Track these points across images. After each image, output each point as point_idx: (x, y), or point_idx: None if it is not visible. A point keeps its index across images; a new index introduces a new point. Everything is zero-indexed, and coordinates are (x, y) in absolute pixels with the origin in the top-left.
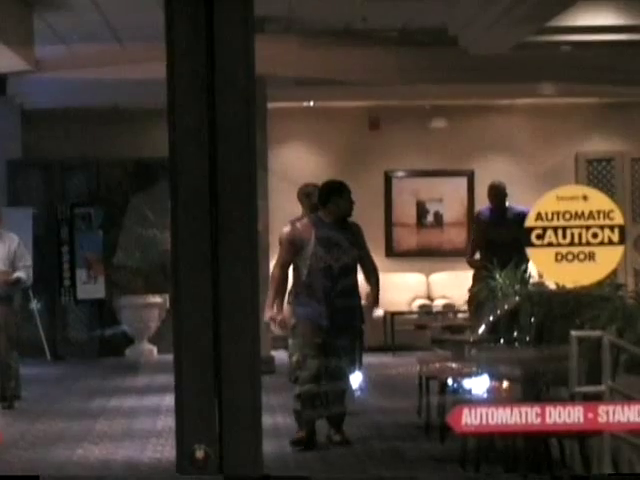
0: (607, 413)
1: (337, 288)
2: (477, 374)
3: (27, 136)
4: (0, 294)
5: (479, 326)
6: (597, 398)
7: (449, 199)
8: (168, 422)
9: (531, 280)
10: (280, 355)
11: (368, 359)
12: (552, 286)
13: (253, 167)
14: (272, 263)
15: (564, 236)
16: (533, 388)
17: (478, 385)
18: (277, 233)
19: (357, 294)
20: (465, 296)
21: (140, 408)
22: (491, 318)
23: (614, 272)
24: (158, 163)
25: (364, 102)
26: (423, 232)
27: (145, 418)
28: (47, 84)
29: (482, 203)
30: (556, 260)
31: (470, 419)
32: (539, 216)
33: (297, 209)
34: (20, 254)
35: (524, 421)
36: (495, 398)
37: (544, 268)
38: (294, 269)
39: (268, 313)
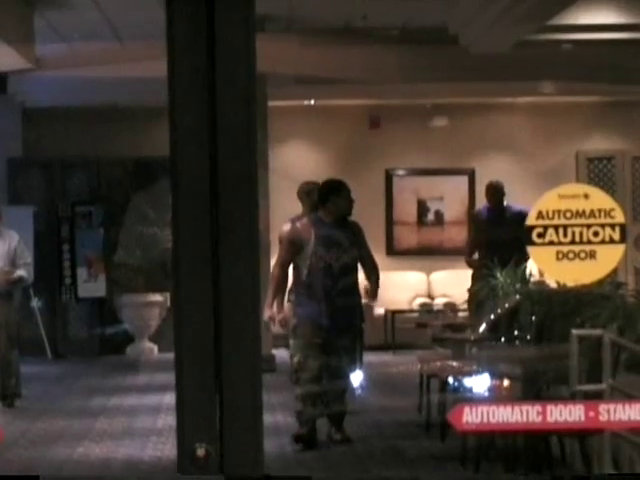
0: (608, 411)
1: (337, 287)
2: (478, 372)
3: (28, 134)
4: (0, 292)
5: (480, 325)
6: (597, 397)
7: (450, 197)
8: (168, 420)
9: (532, 279)
10: (281, 354)
11: (369, 357)
12: (553, 284)
13: (254, 166)
14: (273, 261)
15: (565, 234)
16: (533, 386)
17: (479, 383)
18: (278, 232)
19: (357, 293)
20: (466, 295)
21: (140, 406)
22: (492, 317)
23: (615, 271)
24: (158, 161)
25: (365, 100)
26: (424, 231)
27: (145, 416)
28: (48, 82)
29: (483, 202)
30: (557, 258)
31: (471, 417)
32: (540, 214)
33: (297, 207)
34: (20, 252)
35: (525, 419)
36: (495, 396)
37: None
38: (294, 268)
39: (267, 312)
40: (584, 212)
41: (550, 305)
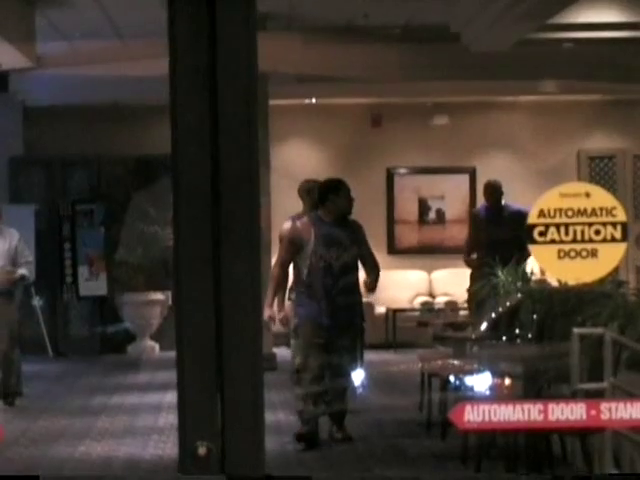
0: (610, 410)
1: (337, 286)
2: (479, 371)
3: (29, 133)
4: (2, 291)
5: (481, 323)
6: (599, 395)
7: (451, 196)
8: (170, 419)
9: (533, 277)
10: (282, 352)
11: (370, 356)
12: (554, 283)
13: (255, 164)
14: (274, 260)
15: (567, 233)
16: (535, 385)
17: (480, 382)
18: (279, 230)
19: (358, 292)
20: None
21: (142, 405)
22: (493, 315)
23: (616, 269)
24: (159, 160)
25: (366, 99)
26: (425, 229)
27: (147, 415)
28: (49, 81)
29: (484, 200)
30: (559, 257)
31: (473, 416)
32: (542, 213)
33: (298, 206)
34: (21, 250)
35: (527, 418)
36: (496, 395)
37: (547, 265)
38: (294, 268)
39: (267, 312)
40: (585, 211)
41: (551, 304)
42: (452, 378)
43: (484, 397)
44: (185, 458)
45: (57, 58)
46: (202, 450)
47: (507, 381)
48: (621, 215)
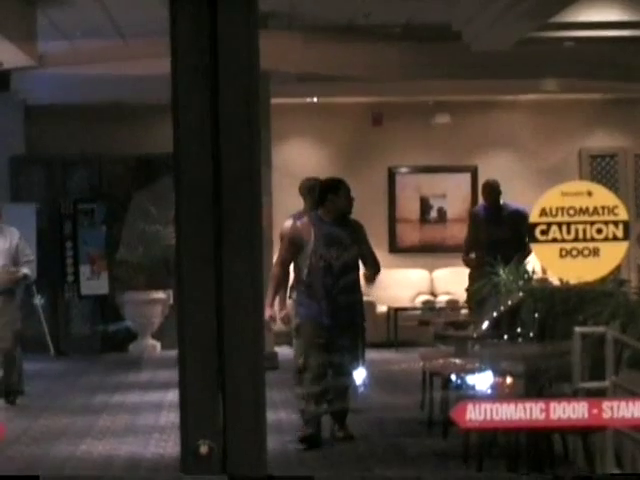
0: (612, 409)
1: (338, 286)
2: (480, 370)
3: (30, 132)
4: (3, 289)
5: (482, 322)
6: (600, 394)
7: (452, 195)
8: (171, 418)
9: (534, 276)
10: (283, 351)
11: (371, 355)
12: (555, 282)
13: (257, 163)
14: (275, 258)
15: (568, 232)
16: (536, 384)
17: (481, 381)
18: (280, 228)
19: (358, 291)
20: None
21: (143, 404)
22: (494, 314)
23: (618, 268)
24: (160, 159)
25: (367, 98)
26: (426, 228)
27: (148, 414)
28: (50, 80)
29: None
30: (560, 256)
31: (474, 414)
32: (544, 212)
33: (299, 204)
34: (22, 249)
35: (528, 417)
36: (498, 394)
37: (548, 264)
38: (295, 267)
39: (268, 312)
40: (587, 209)
41: (553, 302)
42: (453, 377)
43: (485, 396)
44: (187, 457)
45: (58, 57)
46: (204, 449)
47: (508, 380)
48: (623, 214)
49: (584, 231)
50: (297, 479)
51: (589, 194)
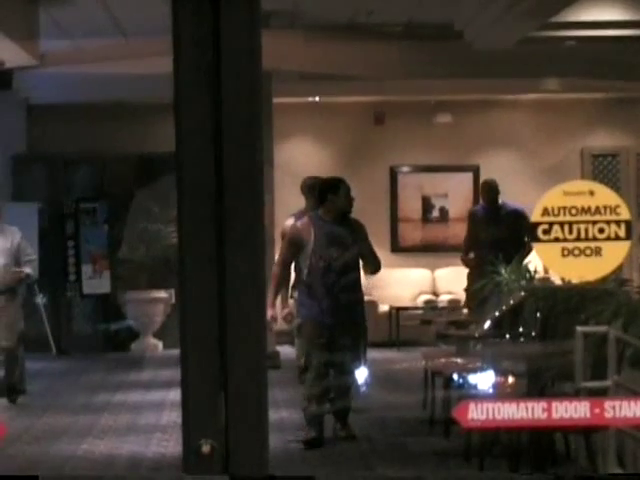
0: (614, 408)
1: (339, 286)
2: (482, 369)
3: (32, 131)
4: (5, 289)
5: (484, 321)
6: (602, 393)
7: (454, 194)
8: (173, 417)
9: (536, 275)
10: (285, 350)
11: (373, 354)
12: (557, 281)
13: (259, 162)
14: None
15: (570, 231)
16: (538, 383)
17: (483, 380)
18: (281, 227)
19: (359, 290)
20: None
21: (145, 403)
22: (496, 313)
23: (620, 267)
24: (162, 158)
25: (369, 97)
26: (428, 227)
27: (150, 413)
28: (52, 79)
29: None
30: (562, 255)
31: (476, 414)
32: (546, 211)
33: (301, 203)
34: (24, 248)
35: (530, 416)
36: (500, 393)
37: (550, 263)
38: (295, 267)
39: (269, 312)
40: (589, 209)
41: (554, 302)
42: (455, 376)
43: (487, 395)
44: (189, 456)
45: (60, 56)
46: (206, 448)
47: (510, 379)
48: (625, 213)
49: (586, 230)
50: (299, 479)
51: (591, 193)
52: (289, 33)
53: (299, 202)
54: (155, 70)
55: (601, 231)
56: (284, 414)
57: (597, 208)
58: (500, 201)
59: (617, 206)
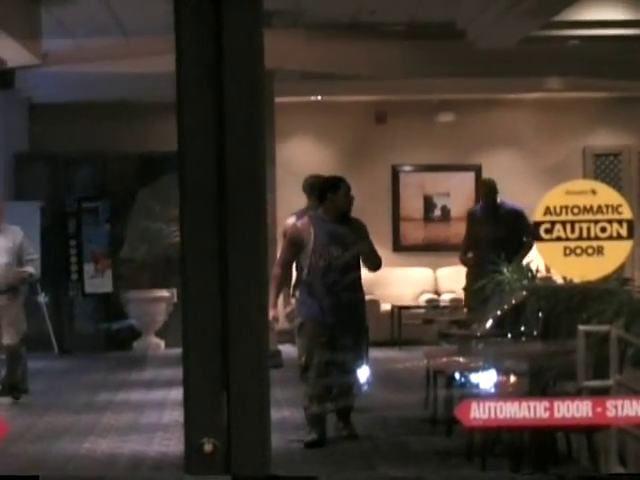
0: (616, 407)
1: (339, 285)
2: (484, 368)
3: (34, 130)
4: (7, 288)
5: (486, 320)
6: (604, 393)
7: (456, 193)
8: (175, 416)
9: (538, 274)
10: (287, 349)
11: (375, 353)
12: (559, 280)
13: (261, 161)
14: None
15: (572, 230)
16: (540, 382)
17: (485, 379)
18: (283, 226)
19: (360, 290)
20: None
21: (147, 402)
22: (498, 313)
23: (621, 266)
24: (164, 157)
25: (371, 96)
26: (430, 226)
27: (152, 412)
28: (54, 78)
29: None
30: (564, 254)
31: (478, 413)
32: (548, 210)
33: (303, 202)
34: (26, 247)
35: (533, 415)
36: (502, 392)
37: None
38: (296, 267)
39: (271, 313)
40: (591, 208)
41: (556, 301)
42: (457, 375)
43: (489, 394)
44: (191, 455)
45: (63, 55)
46: (208, 447)
47: (512, 378)
48: (627, 212)
49: (588, 230)
50: (300, 479)
51: (593, 193)
52: (291, 32)
53: (301, 201)
54: (157, 69)
55: (603, 230)
56: (286, 413)
57: (599, 207)
58: (499, 200)
59: (619, 205)
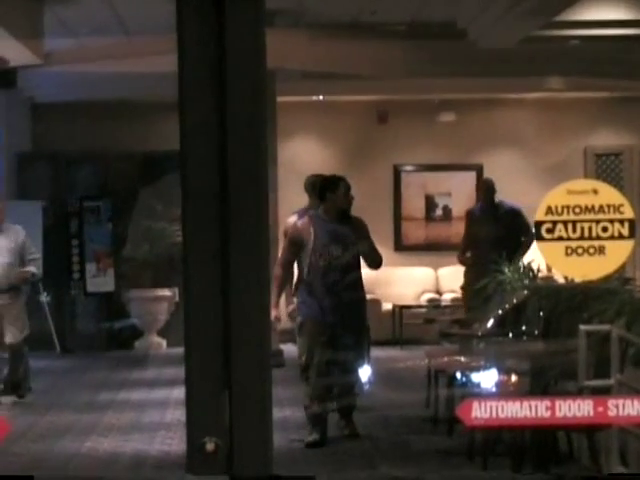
0: (617, 407)
1: (339, 284)
2: (485, 368)
3: (36, 129)
4: (9, 287)
5: (487, 320)
6: (605, 392)
7: (458, 193)
8: (176, 415)
9: (540, 274)
10: (289, 348)
11: (376, 353)
12: (560, 280)
13: (263, 161)
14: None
15: (574, 230)
16: (541, 382)
17: (486, 379)
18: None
19: (361, 289)
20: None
21: (149, 401)
22: (499, 312)
23: (623, 266)
24: (166, 156)
25: (372, 96)
26: (432, 226)
27: (153, 411)
28: (56, 78)
29: None
30: (566, 254)
31: (480, 412)
32: (549, 210)
33: (305, 201)
34: (28, 247)
35: (534, 415)
36: (503, 392)
37: (554, 262)
38: (297, 266)
39: (273, 313)
40: (593, 207)
41: (558, 300)
42: (459, 375)
43: (491, 394)
44: (193, 454)
45: (65, 55)
46: (210, 446)
47: (513, 378)
48: (628, 212)
49: (590, 229)
50: (302, 479)
51: (595, 192)
52: (293, 32)
53: (302, 200)
54: (159, 69)
55: (604, 230)
56: (288, 412)
57: (601, 207)
58: (497, 200)
59: (621, 205)
